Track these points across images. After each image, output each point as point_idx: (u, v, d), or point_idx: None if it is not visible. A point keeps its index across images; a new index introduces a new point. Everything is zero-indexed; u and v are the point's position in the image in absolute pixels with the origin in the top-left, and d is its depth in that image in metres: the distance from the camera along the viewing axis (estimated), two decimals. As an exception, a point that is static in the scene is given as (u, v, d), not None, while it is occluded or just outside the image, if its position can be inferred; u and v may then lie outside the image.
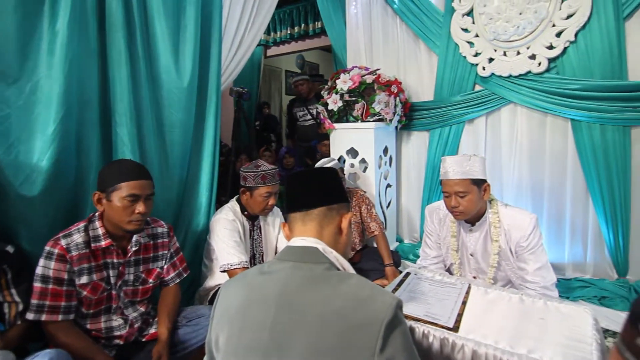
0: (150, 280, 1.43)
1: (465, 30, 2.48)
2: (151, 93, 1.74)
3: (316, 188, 0.89)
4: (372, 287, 0.75)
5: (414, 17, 2.71)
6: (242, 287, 0.84)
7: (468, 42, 2.48)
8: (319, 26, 4.34)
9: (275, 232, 1.84)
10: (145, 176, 1.32)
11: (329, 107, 2.61)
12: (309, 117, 3.88)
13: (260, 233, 1.81)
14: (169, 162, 1.84)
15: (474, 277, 1.67)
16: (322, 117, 2.73)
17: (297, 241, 0.85)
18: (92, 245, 1.27)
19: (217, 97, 2.00)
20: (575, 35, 2.11)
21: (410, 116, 2.78)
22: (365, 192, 2.41)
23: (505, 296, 1.31)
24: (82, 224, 1.29)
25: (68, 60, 1.43)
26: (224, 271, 1.59)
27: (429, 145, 2.77)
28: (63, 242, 1.22)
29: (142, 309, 1.42)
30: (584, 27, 2.09)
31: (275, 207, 1.79)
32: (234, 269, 1.56)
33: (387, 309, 0.69)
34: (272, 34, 4.90)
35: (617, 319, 1.87)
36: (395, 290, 1.39)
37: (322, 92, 2.78)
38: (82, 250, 1.25)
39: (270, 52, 5.22)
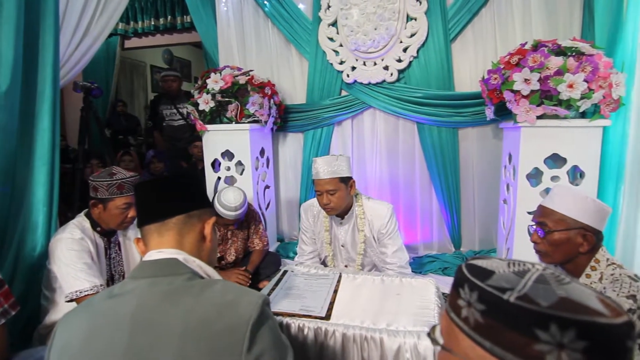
0: (-42, 326, 1.10)
1: (331, 39, 2.67)
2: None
3: (172, 195, 0.82)
4: (237, 290, 0.74)
5: (284, 22, 2.79)
6: (86, 316, 0.73)
7: (334, 51, 2.68)
8: (189, 20, 4.06)
9: (140, 246, 1.64)
10: None
11: (200, 108, 2.47)
12: (179, 116, 3.60)
13: (120, 250, 1.58)
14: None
15: (346, 266, 1.82)
16: (192, 117, 2.56)
17: (154, 254, 0.78)
18: None
19: (53, 94, 1.66)
20: (417, 52, 2.51)
21: (285, 118, 2.86)
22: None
23: (370, 279, 1.47)
24: None
25: None
26: (71, 300, 1.33)
27: (303, 145, 2.90)
28: None
29: (-53, 366, 1.08)
30: (423, 45, 2.50)
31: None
32: (85, 295, 1.33)
33: (252, 308, 0.69)
34: (132, 23, 4.36)
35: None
36: (272, 289, 1.40)
37: (192, 91, 2.61)
38: None
39: (129, 43, 4.64)
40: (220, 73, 2.47)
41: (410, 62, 2.54)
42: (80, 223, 1.49)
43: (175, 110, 3.61)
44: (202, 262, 0.80)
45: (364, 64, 2.62)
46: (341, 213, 1.75)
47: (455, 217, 2.61)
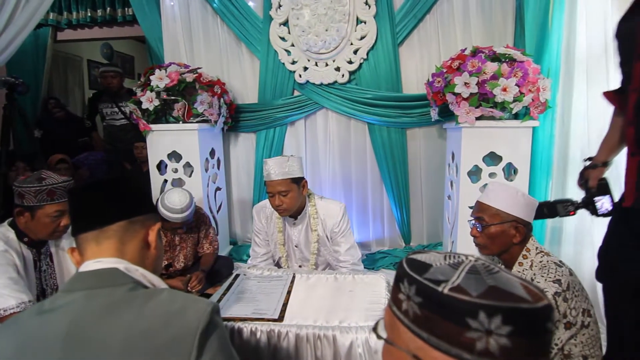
0: None
1: (283, 39, 2.65)
2: None
3: (112, 200, 0.76)
4: (184, 298, 0.70)
5: (234, 20, 2.71)
6: (12, 335, 0.66)
7: (286, 50, 2.66)
8: (130, 13, 3.79)
9: (76, 256, 1.50)
10: None
11: (144, 106, 2.33)
12: (121, 115, 3.36)
13: (52, 262, 1.44)
14: None
15: (300, 266, 1.82)
16: (135, 116, 2.41)
17: (91, 265, 0.71)
18: None
19: (-32, 87, 1.48)
20: (367, 54, 2.57)
21: (237, 118, 2.79)
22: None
23: (323, 278, 1.48)
24: None
25: None
26: (-7, 319, 1.19)
27: (256, 146, 2.85)
28: None
29: None
30: (372, 47, 2.56)
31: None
32: (11, 313, 1.19)
33: (201, 317, 0.66)
34: (65, 13, 3.99)
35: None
36: (224, 294, 1.36)
37: (134, 89, 2.46)
38: None
39: (62, 35, 4.24)
40: (165, 70, 2.35)
41: (361, 64, 2.60)
42: (3, 233, 1.33)
43: (116, 109, 3.37)
44: (146, 271, 0.74)
45: (316, 64, 2.63)
46: (294, 213, 1.74)
47: (405, 213, 2.72)
